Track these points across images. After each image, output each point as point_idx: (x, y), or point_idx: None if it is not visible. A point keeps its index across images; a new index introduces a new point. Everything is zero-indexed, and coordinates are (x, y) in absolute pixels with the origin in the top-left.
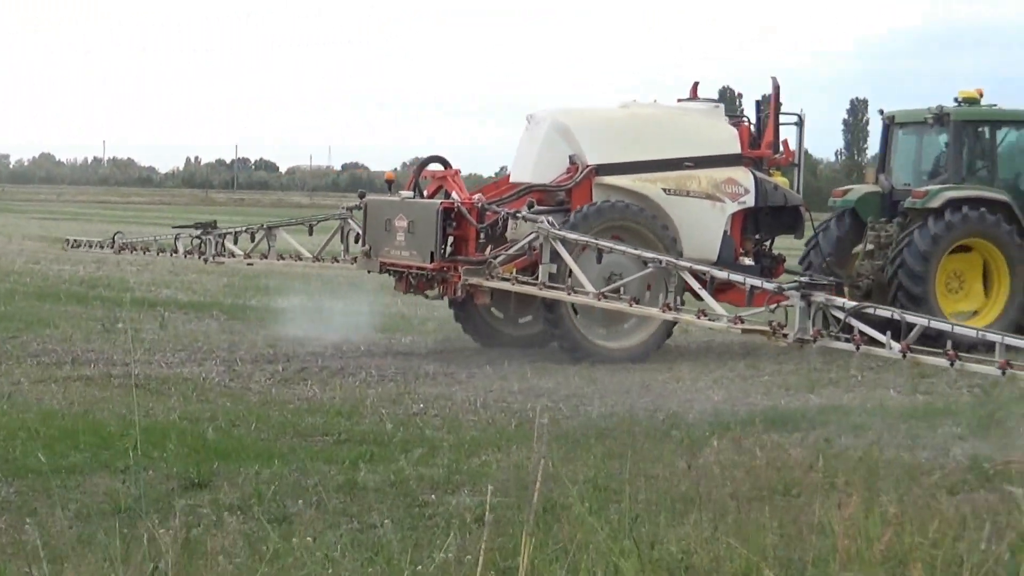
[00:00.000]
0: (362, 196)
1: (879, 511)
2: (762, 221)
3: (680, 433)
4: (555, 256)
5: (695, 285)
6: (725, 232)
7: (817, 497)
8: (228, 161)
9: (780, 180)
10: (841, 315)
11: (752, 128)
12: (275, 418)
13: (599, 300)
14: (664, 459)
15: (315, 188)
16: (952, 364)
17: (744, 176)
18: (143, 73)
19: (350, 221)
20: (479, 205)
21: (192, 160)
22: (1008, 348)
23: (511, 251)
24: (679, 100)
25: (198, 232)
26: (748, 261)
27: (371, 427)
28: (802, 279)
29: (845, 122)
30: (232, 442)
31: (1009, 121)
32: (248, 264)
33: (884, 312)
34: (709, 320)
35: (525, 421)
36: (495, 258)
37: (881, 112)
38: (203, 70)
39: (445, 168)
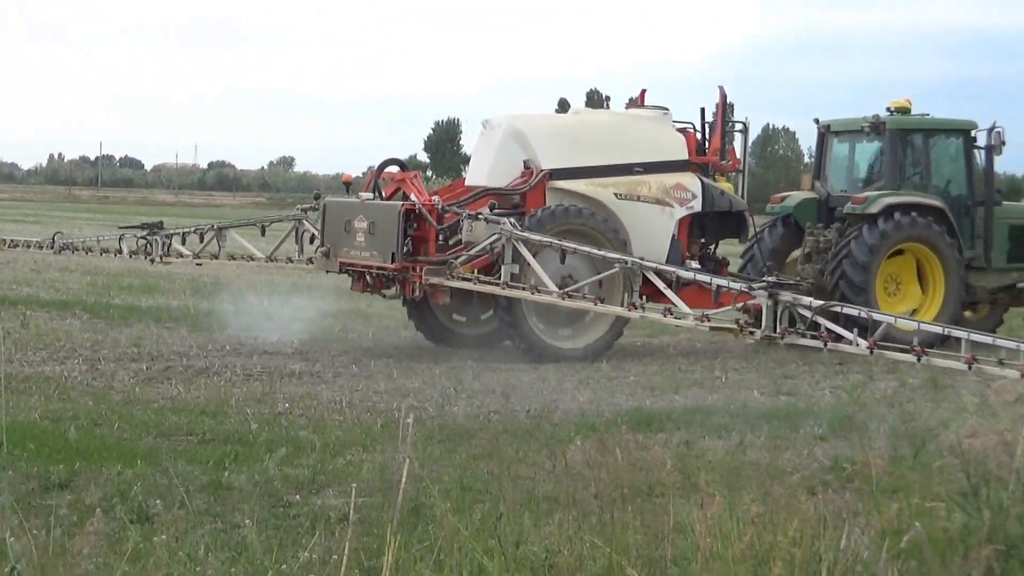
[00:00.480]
0: (317, 198)
1: (740, 511)
2: (708, 226)
3: (545, 433)
4: (517, 256)
5: (660, 285)
6: (673, 236)
7: (680, 497)
8: (92, 158)
9: (725, 186)
10: (808, 313)
11: (697, 135)
12: (138, 417)
13: (563, 299)
14: (529, 459)
15: (181, 186)
16: (919, 360)
17: (692, 182)
18: (5, 67)
19: (304, 222)
20: (439, 207)
21: (56, 156)
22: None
23: (472, 252)
24: (627, 107)
25: (144, 233)
26: (694, 264)
27: (236, 427)
28: (769, 279)
29: (710, 125)
30: (94, 442)
31: (940, 130)
32: (197, 264)
33: (851, 310)
34: (676, 318)
35: (391, 421)
36: (456, 258)
37: (816, 121)
38: (68, 65)
39: (403, 171)
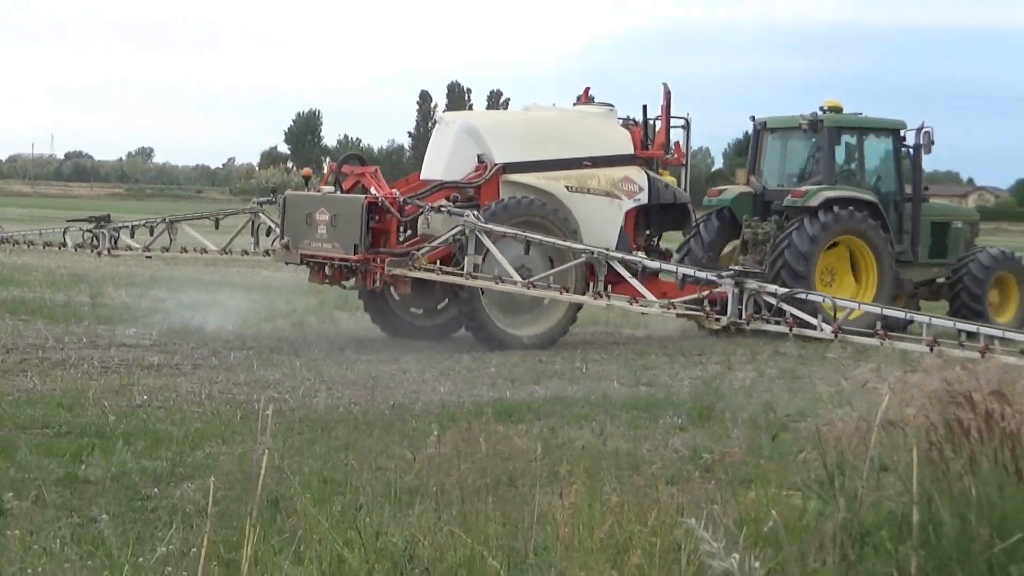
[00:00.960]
0: (273, 191)
1: (600, 500)
2: (653, 217)
3: (406, 425)
4: (479, 248)
5: (626, 275)
6: (621, 227)
7: (540, 487)
8: None
9: (669, 179)
10: (773, 300)
11: (641, 130)
12: None
13: (528, 289)
14: (390, 451)
15: (37, 177)
16: (882, 343)
17: (638, 175)
18: None
19: (261, 215)
20: (400, 200)
21: None
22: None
23: (435, 243)
24: (575, 103)
25: (91, 226)
26: (640, 255)
27: (93, 419)
28: (735, 268)
29: None
30: None
31: (872, 128)
32: (147, 257)
33: (816, 297)
34: (642, 306)
35: (250, 413)
36: (418, 250)
37: (752, 118)
38: None
39: (362, 165)
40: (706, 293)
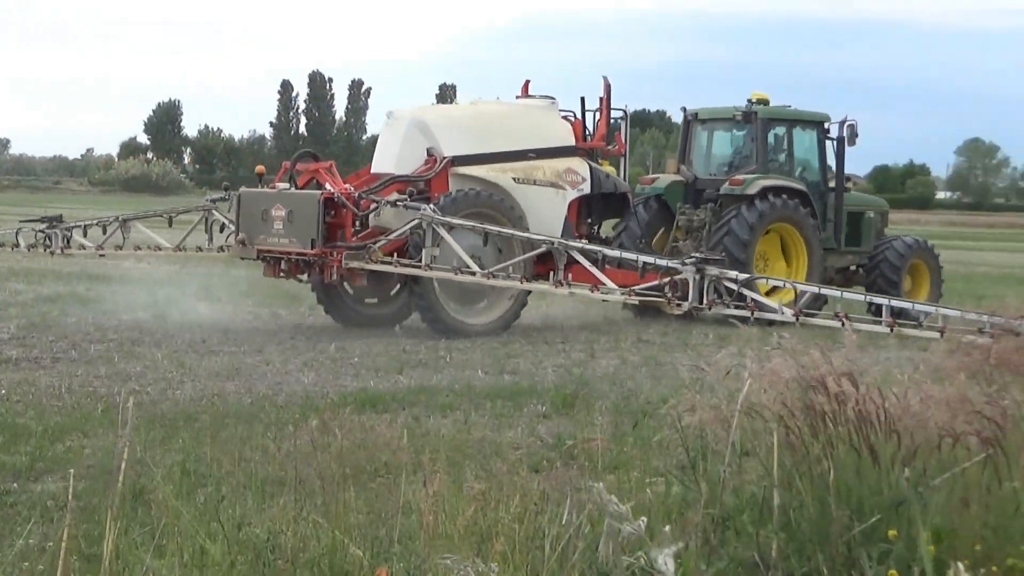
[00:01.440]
0: (227, 188)
1: (464, 488)
2: (595, 207)
3: (270, 416)
4: (435, 240)
5: (586, 263)
6: (565, 217)
7: (404, 476)
8: None
9: (608, 169)
10: (734, 286)
11: (581, 123)
12: None
13: (488, 279)
14: (253, 442)
15: None
16: (843, 325)
17: (581, 166)
18: None
19: (215, 212)
20: (356, 195)
21: None
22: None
23: (392, 236)
24: (517, 97)
25: (43, 226)
26: (593, 244)
27: None
28: (696, 255)
29: None
30: None
31: (800, 120)
32: (101, 255)
33: (776, 282)
34: (603, 294)
35: (112, 406)
36: (375, 243)
37: (683, 109)
38: None
39: (316, 162)
40: (666, 280)
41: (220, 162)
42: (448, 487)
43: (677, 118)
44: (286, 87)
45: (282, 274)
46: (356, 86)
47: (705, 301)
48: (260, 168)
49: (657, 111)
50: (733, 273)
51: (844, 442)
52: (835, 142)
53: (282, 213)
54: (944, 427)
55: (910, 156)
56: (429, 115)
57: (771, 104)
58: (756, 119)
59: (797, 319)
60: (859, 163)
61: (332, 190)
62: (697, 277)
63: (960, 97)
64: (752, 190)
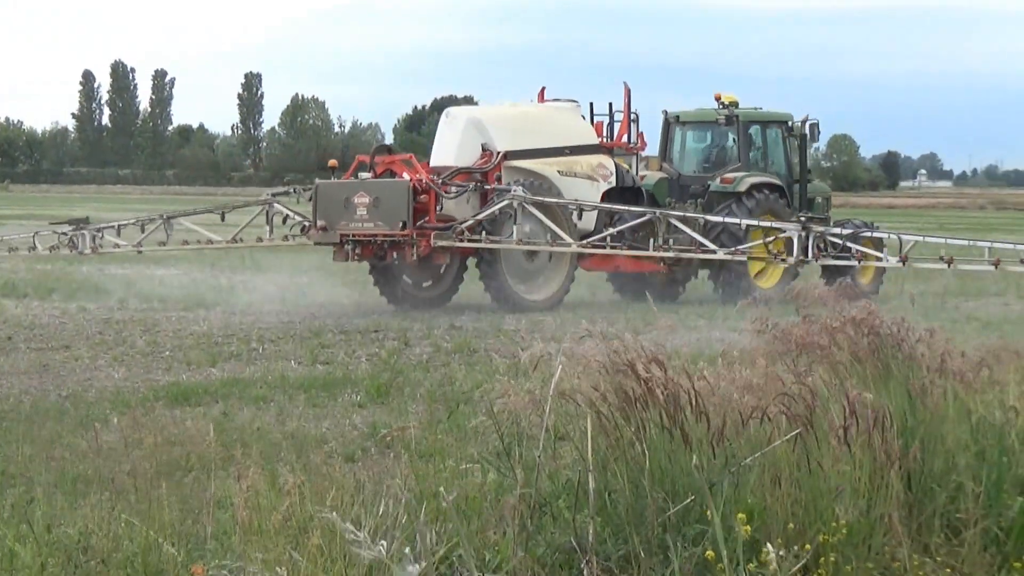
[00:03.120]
0: (287, 183)
1: (279, 481)
2: (616, 198)
3: (80, 413)
4: (528, 217)
5: (687, 229)
6: None
7: (216, 471)
8: None
9: (624, 166)
10: (839, 240)
11: (603, 123)
12: None
13: (603, 248)
14: (63, 440)
15: None
16: (949, 265)
17: (608, 161)
18: None
19: (275, 205)
20: (439, 181)
21: None
22: None
23: (480, 216)
24: (545, 100)
25: (71, 228)
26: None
27: None
28: (802, 217)
29: (240, 96)
30: None
31: (771, 121)
32: (139, 252)
33: (880, 234)
34: (704, 254)
35: None
36: (461, 223)
37: (665, 112)
38: None
39: (390, 154)
40: (771, 239)
41: (22, 155)
42: (262, 481)
43: (483, 102)
44: (88, 78)
45: (357, 258)
46: (160, 76)
47: (811, 254)
48: (333, 162)
49: (464, 96)
50: (837, 229)
51: (656, 425)
52: (798, 138)
53: (366, 200)
54: (754, 407)
55: None
56: (484, 114)
57: (740, 105)
58: (737, 121)
59: (904, 263)
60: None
61: (421, 177)
62: (803, 235)
63: (779, 80)
64: (742, 187)
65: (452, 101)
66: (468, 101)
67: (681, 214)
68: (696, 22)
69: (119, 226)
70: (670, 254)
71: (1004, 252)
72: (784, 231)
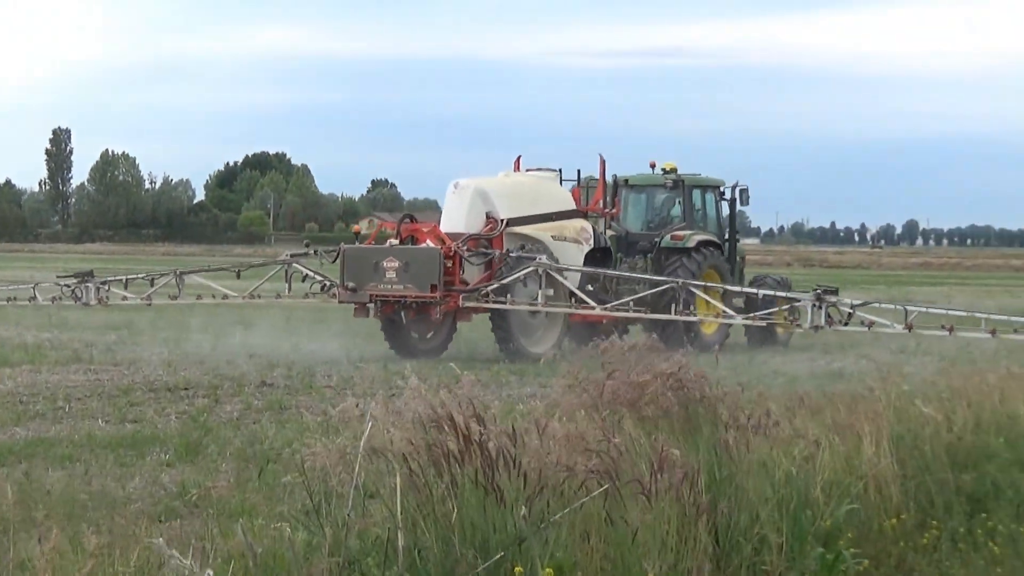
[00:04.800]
0: (307, 245)
1: (82, 543)
2: (592, 259)
3: None
4: (551, 282)
5: (705, 297)
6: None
7: (18, 533)
8: None
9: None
10: (849, 309)
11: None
12: None
13: (604, 312)
14: None
15: None
16: (950, 332)
17: (588, 225)
18: None
19: (295, 265)
20: (463, 250)
21: None
22: None
23: (505, 281)
24: (528, 169)
25: (76, 281)
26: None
27: None
28: (816, 289)
29: (48, 151)
30: None
31: (710, 186)
32: (147, 305)
33: (888, 305)
34: (726, 319)
35: None
36: (486, 286)
37: (615, 176)
38: None
39: (413, 222)
40: (786, 307)
41: None
42: (65, 543)
43: (296, 159)
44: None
45: (377, 315)
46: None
47: (824, 321)
48: (357, 227)
49: (276, 153)
50: (848, 300)
51: (470, 481)
52: (728, 202)
53: (395, 264)
54: (564, 463)
55: None
56: (488, 185)
57: (678, 170)
58: (683, 185)
59: (910, 330)
60: None
61: (450, 245)
62: (816, 303)
63: (571, 136)
64: (691, 243)
65: (265, 158)
66: (280, 158)
67: (702, 283)
68: (507, 82)
69: (127, 279)
70: (694, 318)
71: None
72: (799, 300)
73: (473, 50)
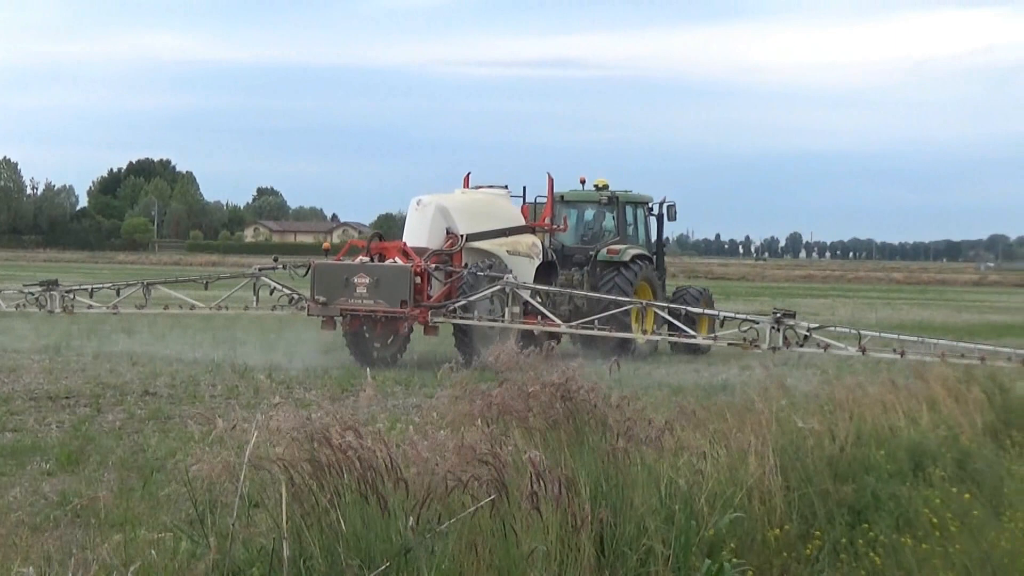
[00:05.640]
0: (276, 259)
1: None
2: (541, 272)
3: None
4: (516, 299)
5: (668, 317)
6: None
7: None
8: None
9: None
10: (805, 331)
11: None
12: None
13: (569, 329)
14: None
15: None
16: (901, 357)
17: (537, 240)
18: None
19: (263, 278)
20: (431, 267)
21: None
22: None
23: (473, 298)
24: (478, 187)
25: (41, 290)
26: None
27: None
28: (775, 312)
29: None
30: None
31: (641, 202)
32: (113, 313)
33: (843, 329)
34: (687, 339)
35: None
36: (453, 302)
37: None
38: None
39: (381, 241)
40: (746, 328)
41: None
42: None
43: (181, 166)
44: None
45: (343, 327)
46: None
47: (783, 343)
48: (327, 244)
49: (160, 160)
50: (805, 323)
51: (353, 492)
52: (656, 218)
53: (366, 280)
54: (452, 473)
55: None
56: (448, 201)
57: (609, 187)
58: (618, 201)
59: (863, 352)
60: (365, 211)
61: (420, 263)
62: (775, 326)
63: (461, 145)
64: (626, 257)
65: (148, 164)
66: (165, 165)
67: (667, 305)
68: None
69: (92, 289)
70: (659, 338)
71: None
72: (758, 322)
73: (363, 58)
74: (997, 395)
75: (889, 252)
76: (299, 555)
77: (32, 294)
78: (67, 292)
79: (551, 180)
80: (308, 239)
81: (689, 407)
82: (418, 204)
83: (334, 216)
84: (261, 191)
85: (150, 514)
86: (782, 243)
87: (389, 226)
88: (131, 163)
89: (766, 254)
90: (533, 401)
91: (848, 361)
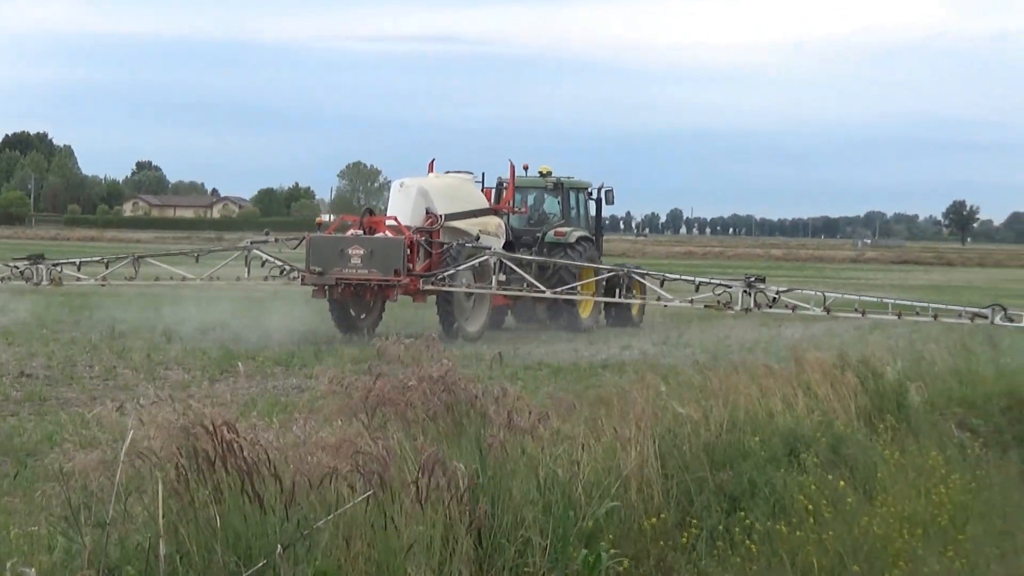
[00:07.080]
0: (267, 233)
1: None
2: (504, 250)
3: None
4: (503, 269)
5: (649, 284)
6: None
7: None
8: None
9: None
10: (774, 294)
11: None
12: None
13: (553, 295)
14: None
15: None
16: (863, 315)
17: (502, 221)
18: None
19: (254, 251)
20: (423, 239)
21: None
22: None
23: (460, 267)
24: (447, 172)
25: (27, 264)
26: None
27: None
28: (747, 276)
29: None
30: None
31: (582, 188)
32: (102, 286)
33: (809, 291)
34: (666, 303)
35: None
36: (444, 271)
37: (499, 178)
38: None
39: (372, 215)
40: (720, 292)
41: None
42: None
43: (59, 140)
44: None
45: (334, 296)
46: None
47: (754, 304)
48: (320, 219)
49: (37, 133)
50: (773, 287)
51: (232, 488)
52: (596, 201)
53: (360, 251)
54: (330, 467)
55: (295, 179)
56: (427, 184)
57: (553, 173)
58: (563, 187)
59: (828, 312)
60: (245, 186)
61: (412, 236)
62: (746, 290)
63: (344, 121)
64: (572, 239)
65: (25, 138)
66: (41, 139)
67: (646, 271)
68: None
69: (80, 262)
70: (637, 301)
71: None
72: (731, 287)
73: (248, 31)
74: (870, 380)
75: (768, 228)
76: (176, 552)
77: (19, 268)
78: (54, 265)
79: (512, 166)
80: (188, 213)
81: (567, 399)
82: (401, 186)
83: (214, 191)
84: (140, 165)
85: (24, 509)
86: (663, 219)
87: (270, 200)
88: (7, 136)
89: (647, 230)
90: (412, 394)
91: (724, 340)
